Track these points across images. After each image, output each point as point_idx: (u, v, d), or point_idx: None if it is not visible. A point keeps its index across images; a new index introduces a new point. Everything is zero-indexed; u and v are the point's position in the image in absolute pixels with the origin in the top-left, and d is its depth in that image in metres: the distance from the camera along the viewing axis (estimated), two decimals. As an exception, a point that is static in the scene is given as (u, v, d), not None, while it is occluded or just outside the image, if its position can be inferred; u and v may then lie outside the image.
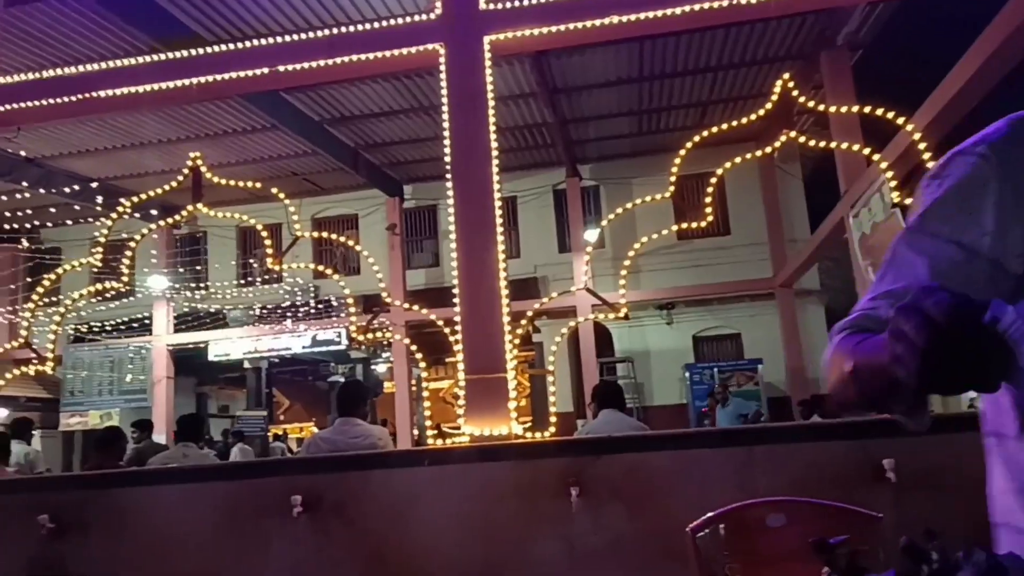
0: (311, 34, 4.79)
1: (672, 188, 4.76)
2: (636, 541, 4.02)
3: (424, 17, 4.71)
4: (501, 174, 4.78)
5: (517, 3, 4.65)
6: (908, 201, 4.40)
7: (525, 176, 13.83)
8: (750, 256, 13.39)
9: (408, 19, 4.75)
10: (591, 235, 13.17)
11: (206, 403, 17.83)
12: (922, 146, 4.38)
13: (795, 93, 4.57)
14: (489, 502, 4.25)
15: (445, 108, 4.75)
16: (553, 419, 4.88)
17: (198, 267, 14.62)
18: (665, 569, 4.04)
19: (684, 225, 4.93)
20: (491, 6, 4.68)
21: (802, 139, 4.74)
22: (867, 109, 4.50)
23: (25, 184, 10.20)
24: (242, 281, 14.81)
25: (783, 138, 4.61)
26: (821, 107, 4.55)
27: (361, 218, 14.66)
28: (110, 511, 4.52)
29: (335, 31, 4.79)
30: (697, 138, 4.59)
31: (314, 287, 14.25)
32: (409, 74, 8.62)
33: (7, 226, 10.88)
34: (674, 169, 4.75)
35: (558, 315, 12.20)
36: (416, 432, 13.62)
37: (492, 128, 4.71)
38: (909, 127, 4.52)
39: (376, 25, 4.81)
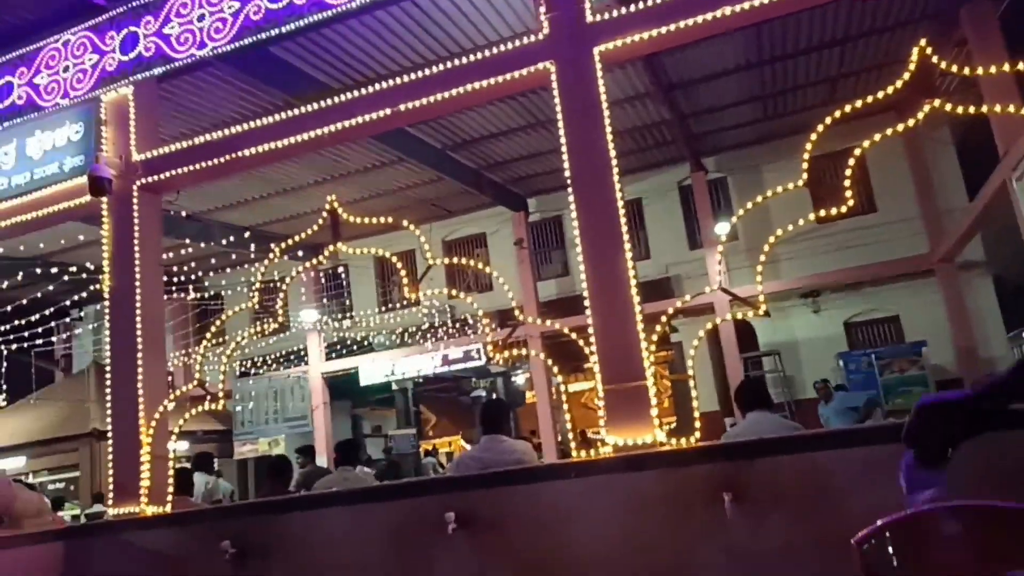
0: (427, 71, 4.96)
1: (805, 174, 4.52)
2: (800, 549, 3.83)
3: (533, 38, 4.77)
4: (623, 178, 4.74)
5: (624, 10, 4.60)
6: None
7: (649, 176, 13.62)
8: (901, 233, 12.46)
9: (518, 42, 4.82)
10: (722, 229, 12.75)
11: (361, 424, 18.74)
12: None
13: (935, 58, 4.23)
14: (640, 512, 4.20)
15: (560, 123, 4.78)
16: (698, 423, 4.74)
17: (343, 298, 15.48)
18: (835, 576, 3.82)
19: (823, 212, 4.66)
20: (598, 17, 4.66)
21: (948, 107, 4.38)
22: (1021, 66, 4.09)
23: (187, 240, 11.22)
24: (383, 308, 15.53)
25: (926, 108, 4.27)
26: (967, 70, 4.17)
27: (489, 235, 14.99)
28: (285, 535, 4.85)
29: (449, 64, 4.94)
30: (829, 119, 4.34)
31: (450, 307, 14.69)
32: (524, 92, 8.74)
33: (176, 278, 12.02)
34: (806, 154, 4.52)
35: (695, 313, 11.87)
36: (560, 439, 13.68)
37: (609, 137, 4.68)
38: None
39: (488, 53, 4.89)
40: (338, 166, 11.23)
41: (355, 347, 15.02)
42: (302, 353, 14.98)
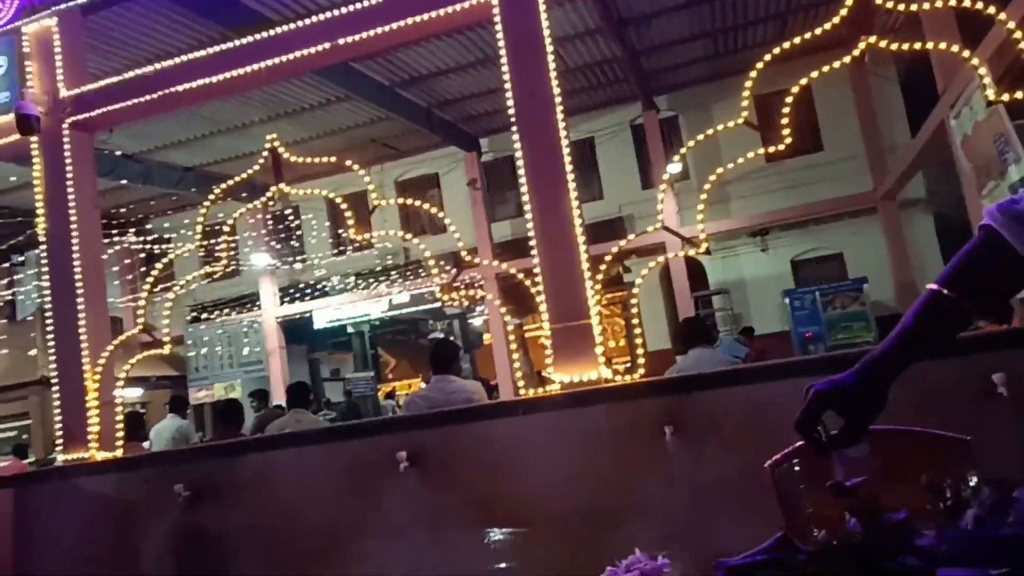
0: (367, 2, 4.81)
1: (744, 111, 4.56)
2: (734, 477, 4.01)
3: (473, -32, 4.64)
4: (571, 117, 4.72)
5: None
6: (1006, 97, 4.02)
7: (601, 115, 13.54)
8: (847, 171, 12.69)
9: (458, -27, 4.69)
10: (673, 168, 12.81)
11: (319, 368, 18.73)
12: (1019, 36, 4.00)
13: (874, -8, 4.24)
14: (587, 446, 4.31)
15: (504, 59, 4.70)
16: (642, 360, 4.87)
17: (294, 241, 15.23)
18: (770, 501, 4.01)
19: (772, 148, 4.71)
20: (540, -55, 4.55)
21: (884, 43, 4.42)
22: (955, 1, 4.13)
23: (127, 181, 10.85)
24: (336, 251, 15.36)
25: (862, 44, 4.31)
26: (902, 6, 4.21)
27: (442, 176, 14.82)
28: (238, 478, 4.88)
29: (389, -5, 4.79)
30: (769, 55, 4.37)
31: (405, 249, 14.60)
32: (472, 27, 8.52)
33: (118, 222, 11.66)
34: (747, 91, 4.55)
35: (647, 252, 12.02)
36: (516, 381, 13.91)
37: (553, 74, 4.63)
38: (1003, 17, 4.13)
39: (427, -17, 4.75)
40: (283, 104, 10.89)
41: (309, 291, 14.88)
42: (255, 298, 14.80)
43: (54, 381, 5.57)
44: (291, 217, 14.87)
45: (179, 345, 13.93)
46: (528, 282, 4.87)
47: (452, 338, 15.98)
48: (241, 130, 11.45)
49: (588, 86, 12.35)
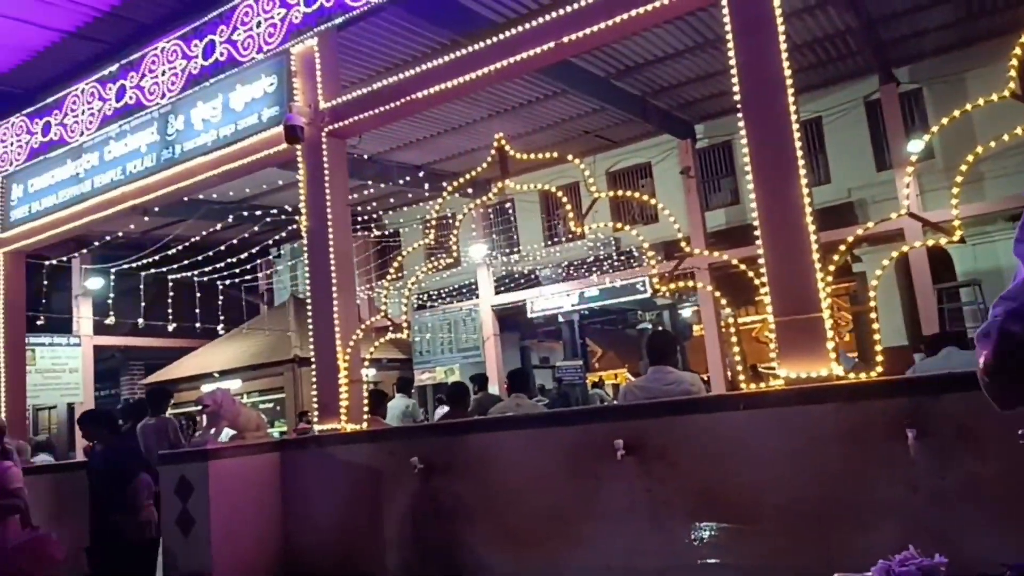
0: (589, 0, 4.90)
1: (1012, 82, 4.03)
2: (991, 484, 3.61)
3: (698, -48, 4.56)
4: (799, 96, 4.48)
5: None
6: None
7: (830, 92, 12.59)
8: None
9: (681, -41, 4.63)
10: (915, 146, 11.59)
11: (529, 356, 19.39)
12: None
13: None
14: (815, 445, 4.12)
15: (729, 39, 4.57)
16: (880, 357, 4.50)
17: (511, 233, 15.88)
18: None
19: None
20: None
21: None
22: None
23: (368, 181, 11.96)
24: (549, 242, 15.79)
25: None
26: None
27: (654, 165, 14.63)
28: (466, 454, 5.25)
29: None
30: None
31: (615, 239, 14.64)
32: (693, 11, 8.32)
33: (359, 218, 12.91)
34: (1014, 57, 4.02)
35: (882, 240, 11.02)
36: (730, 375, 13.43)
37: (784, 53, 4.42)
38: None
39: (652, -27, 4.74)
40: (503, 101, 11.37)
41: (523, 280, 15.45)
42: (473, 287, 15.64)
43: (308, 360, 6.33)
44: (509, 209, 15.51)
45: (398, 333, 15.11)
46: (751, 272, 4.71)
47: (663, 328, 15.81)
48: (465, 128, 12.14)
49: (816, 62, 11.53)
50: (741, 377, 4.79)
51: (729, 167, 14.37)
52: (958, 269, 12.62)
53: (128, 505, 6.07)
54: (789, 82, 4.42)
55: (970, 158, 4.15)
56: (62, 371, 15.50)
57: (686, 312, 16.80)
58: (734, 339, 5.69)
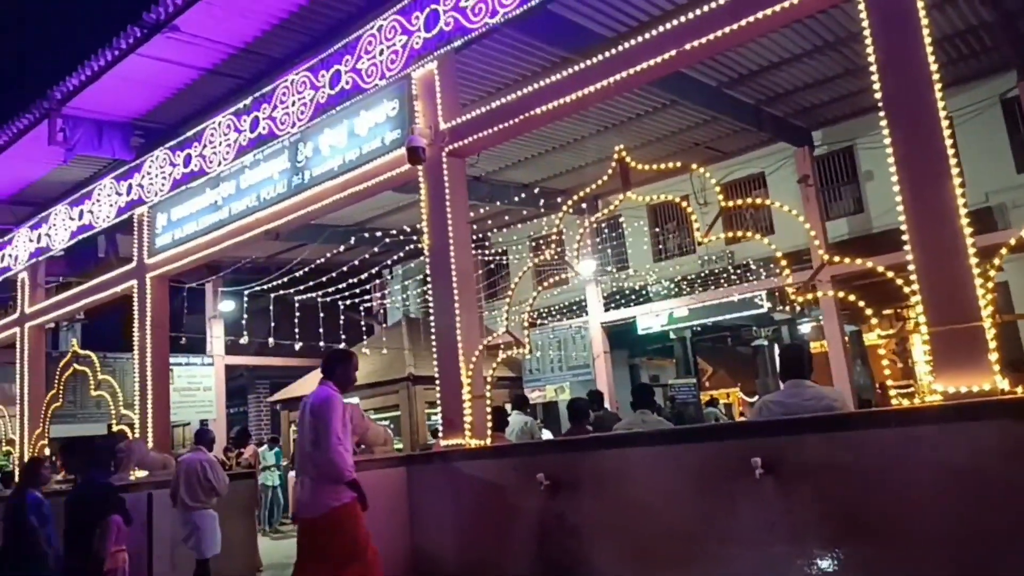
0: (713, 3, 4.79)
1: None
2: None
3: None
4: (945, 92, 4.20)
5: None
6: None
7: (961, 91, 11.79)
8: None
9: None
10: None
11: (638, 373, 19.03)
12: None
13: None
14: (975, 466, 3.79)
15: (868, 37, 4.34)
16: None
17: (620, 249, 15.71)
18: None
19: None
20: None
21: None
22: None
23: (483, 200, 12.15)
24: (658, 257, 15.51)
25: None
26: None
27: (768, 175, 14.13)
28: (593, 471, 5.17)
29: (736, -8, 4.72)
30: None
31: (730, 253, 14.21)
32: (820, 11, 8.00)
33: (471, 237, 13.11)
34: None
35: (1021, 247, 10.17)
36: (858, 393, 12.70)
37: (928, 47, 4.17)
38: None
39: (778, -27, 4.58)
40: (611, 116, 11.29)
41: (632, 297, 15.23)
42: (583, 304, 15.55)
43: (422, 377, 6.42)
44: (621, 224, 15.32)
45: (520, 348, 15.20)
46: (899, 280, 4.42)
47: (793, 341, 15.14)
48: (573, 145, 12.12)
49: (947, 60, 10.83)
50: (892, 392, 4.47)
51: (850, 174, 13.69)
52: (1119, 276, 11.48)
53: (92, 550, 5.52)
54: (936, 77, 4.15)
55: None
56: (196, 389, 16.50)
57: (805, 328, 16.04)
58: (882, 351, 5.34)
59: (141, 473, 7.96)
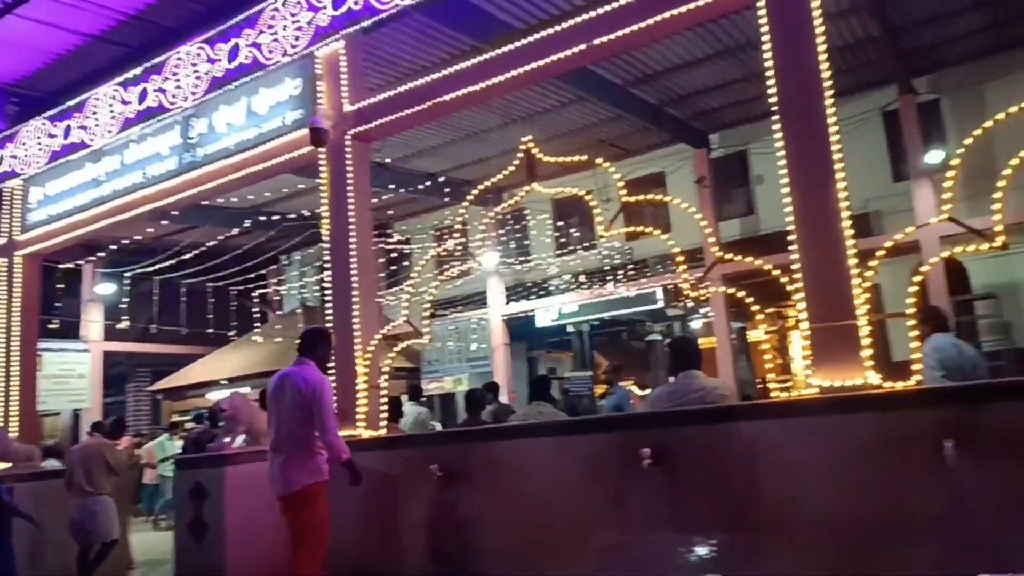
0: (622, 1, 4.86)
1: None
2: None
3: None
4: (834, 102, 4.43)
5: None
6: None
7: (847, 101, 12.45)
8: None
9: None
10: (934, 156, 11.56)
11: (536, 366, 19.25)
12: None
13: None
14: (847, 456, 4.03)
15: (767, 43, 4.52)
16: (917, 366, 4.42)
17: (522, 242, 15.81)
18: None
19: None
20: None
21: None
22: None
23: (387, 188, 11.93)
24: (560, 251, 15.73)
25: None
26: None
27: (668, 175, 14.57)
28: (487, 462, 5.16)
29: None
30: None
31: (629, 249, 14.57)
32: (713, 18, 8.29)
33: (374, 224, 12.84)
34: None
35: (896, 252, 10.90)
36: (740, 387, 13.34)
37: (822, 55, 4.39)
38: None
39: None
40: (519, 108, 11.33)
41: (534, 290, 15.39)
42: (484, 295, 15.58)
43: (330, 366, 6.26)
44: (527, 217, 15.40)
45: (419, 338, 15.06)
46: (784, 279, 4.64)
47: (684, 334, 15.70)
48: (480, 136, 12.08)
49: (836, 71, 11.33)
50: (772, 386, 4.69)
51: (743, 177, 14.30)
52: (974, 282, 12.53)
53: None
54: (827, 84, 4.37)
55: (1012, 165, 4.08)
56: (70, 376, 15.43)
57: (696, 324, 16.70)
58: (767, 347, 5.57)
59: (3, 465, 7.38)
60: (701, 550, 4.34)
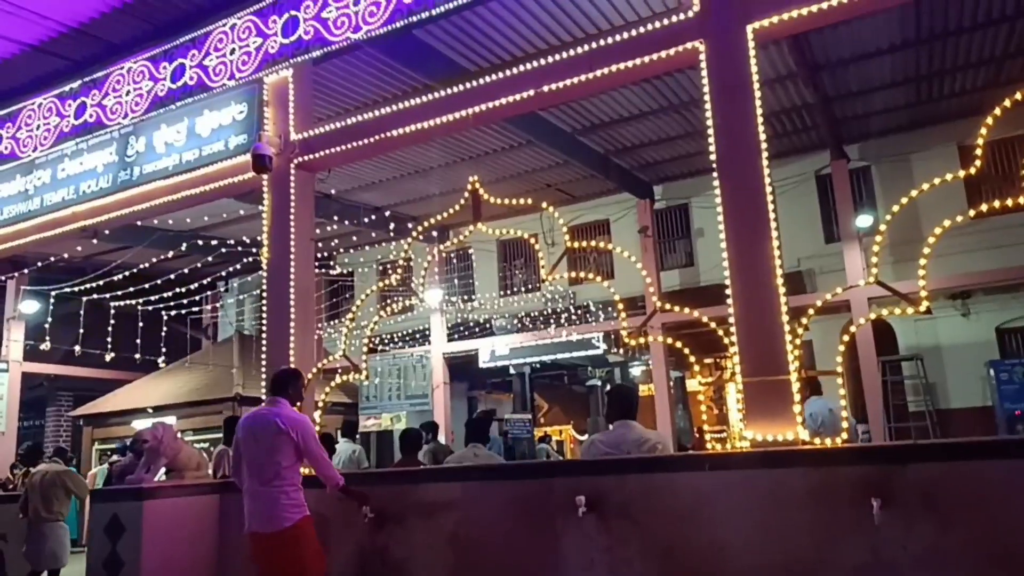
0: (571, 51, 4.97)
1: (978, 160, 4.20)
2: (958, 555, 3.61)
3: (682, 16, 4.67)
4: (771, 163, 4.57)
5: (780, -15, 4.43)
6: None
7: (783, 164, 13.02)
8: (1068, 232, 11.33)
9: (666, 21, 4.74)
10: (864, 222, 12.06)
11: (476, 406, 19.11)
12: None
13: None
14: (780, 509, 4.07)
15: (708, 104, 4.66)
16: (844, 424, 4.53)
17: (467, 280, 15.78)
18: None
19: (988, 205, 4.35)
20: (753, -7, 4.51)
21: None
22: None
23: (330, 219, 11.77)
24: (505, 292, 15.75)
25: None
26: None
27: (612, 223, 14.83)
28: (420, 504, 5.04)
29: (595, 44, 4.92)
30: (1009, 102, 4.01)
31: (572, 293, 14.68)
32: (660, 75, 8.55)
33: (316, 255, 12.63)
34: (980, 139, 4.19)
35: (828, 310, 11.26)
36: (677, 435, 13.44)
37: (759, 119, 4.53)
38: None
39: (634, 32, 4.83)
40: (468, 148, 11.42)
41: (476, 329, 15.32)
42: (426, 332, 15.43)
43: (250, 397, 6.07)
44: (471, 255, 15.41)
45: (356, 374, 14.78)
46: (720, 331, 4.72)
47: (624, 383, 15.78)
48: (428, 173, 12.10)
49: (773, 134, 11.95)
50: (708, 437, 4.72)
51: (684, 229, 14.65)
52: (901, 343, 13.02)
53: None
54: (764, 146, 4.51)
55: (935, 235, 4.27)
56: (-16, 397, 14.59)
57: (636, 371, 16.86)
58: (704, 397, 5.63)
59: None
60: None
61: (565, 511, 4.45)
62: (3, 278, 13.27)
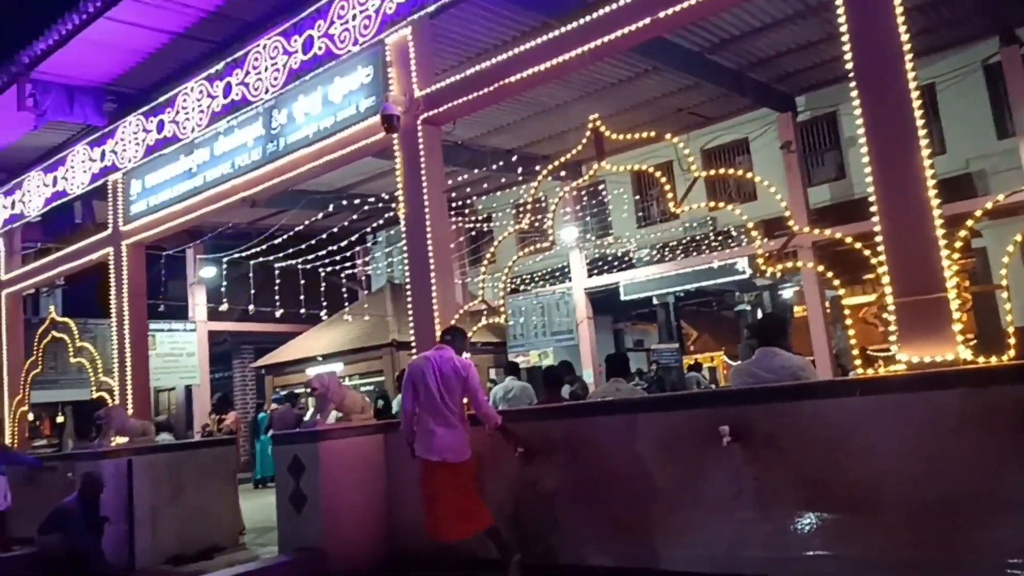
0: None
1: None
2: None
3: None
4: (916, 62, 4.18)
5: None
6: None
7: (943, 57, 11.76)
8: None
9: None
10: (1044, 110, 10.73)
11: (622, 339, 19.17)
12: None
13: None
14: (938, 435, 3.88)
15: (840, 4, 4.31)
16: (1012, 340, 4.17)
17: (603, 215, 15.67)
18: None
19: None
20: None
21: None
22: None
23: (460, 167, 12.06)
24: (642, 223, 15.51)
25: None
26: None
27: (752, 141, 14.09)
28: (567, 439, 5.23)
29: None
30: None
31: (711, 219, 14.23)
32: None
33: (452, 204, 13.03)
34: None
35: (1005, 213, 10.21)
36: (836, 357, 12.85)
37: (899, 14, 4.14)
38: None
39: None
40: (592, 81, 11.17)
41: (616, 263, 15.26)
42: (566, 270, 15.58)
43: (406, 343, 6.44)
44: (603, 191, 15.26)
45: (496, 316, 15.23)
46: (866, 251, 4.45)
47: (772, 310, 15.26)
48: (555, 110, 12.00)
49: (928, 27, 10.77)
50: (857, 362, 4.52)
51: (834, 140, 13.68)
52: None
53: None
54: (907, 47, 4.13)
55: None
56: (180, 355, 16.53)
57: (787, 293, 16.17)
58: (848, 321, 5.38)
59: (121, 439, 8.01)
60: (780, 529, 4.29)
61: (710, 441, 4.45)
62: (182, 248, 14.76)
